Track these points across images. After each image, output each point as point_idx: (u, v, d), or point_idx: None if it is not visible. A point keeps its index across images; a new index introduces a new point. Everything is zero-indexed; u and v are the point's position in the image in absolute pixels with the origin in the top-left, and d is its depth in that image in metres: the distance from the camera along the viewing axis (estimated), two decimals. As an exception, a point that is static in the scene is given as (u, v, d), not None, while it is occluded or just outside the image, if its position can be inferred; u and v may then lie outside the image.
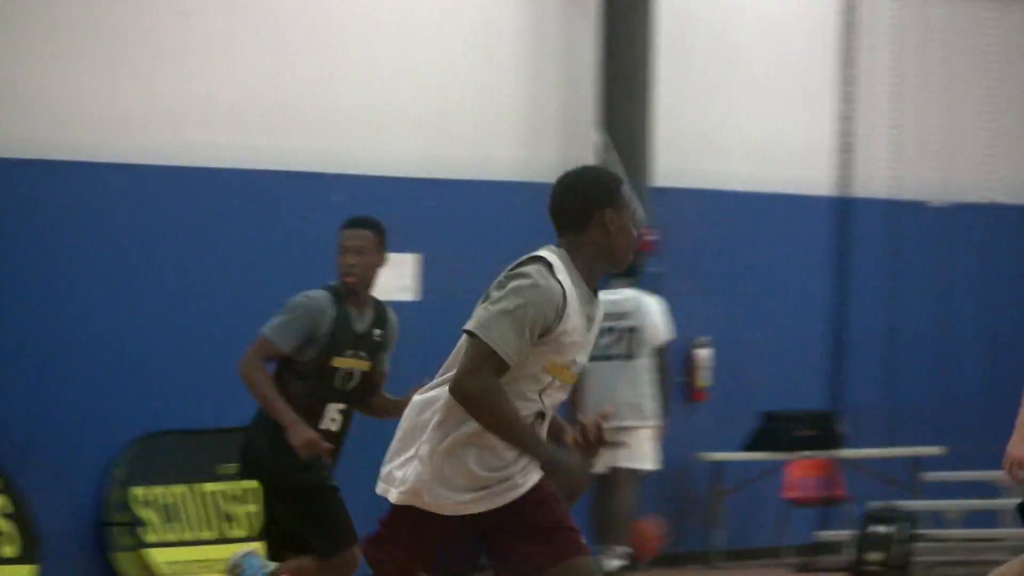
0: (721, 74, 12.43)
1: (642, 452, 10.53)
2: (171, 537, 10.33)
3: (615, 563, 10.44)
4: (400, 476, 4.47)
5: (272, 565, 6.81)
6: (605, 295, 5.45)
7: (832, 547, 11.70)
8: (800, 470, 12.09)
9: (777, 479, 12.05)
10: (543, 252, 4.50)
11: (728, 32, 12.47)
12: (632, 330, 10.55)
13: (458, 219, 11.41)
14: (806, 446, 11.78)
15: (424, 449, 4.43)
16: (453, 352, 4.48)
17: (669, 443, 10.83)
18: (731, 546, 11.99)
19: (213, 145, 10.68)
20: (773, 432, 11.77)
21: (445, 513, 4.45)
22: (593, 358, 5.55)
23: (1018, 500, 6.83)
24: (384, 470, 4.53)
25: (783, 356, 12.42)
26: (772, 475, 12.00)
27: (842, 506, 12.11)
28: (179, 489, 10.39)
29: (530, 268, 4.42)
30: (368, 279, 6.80)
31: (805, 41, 12.84)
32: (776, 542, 12.10)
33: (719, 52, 12.41)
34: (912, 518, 11.15)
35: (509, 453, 4.43)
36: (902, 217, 12.92)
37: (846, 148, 12.79)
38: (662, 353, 10.60)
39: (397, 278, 10.26)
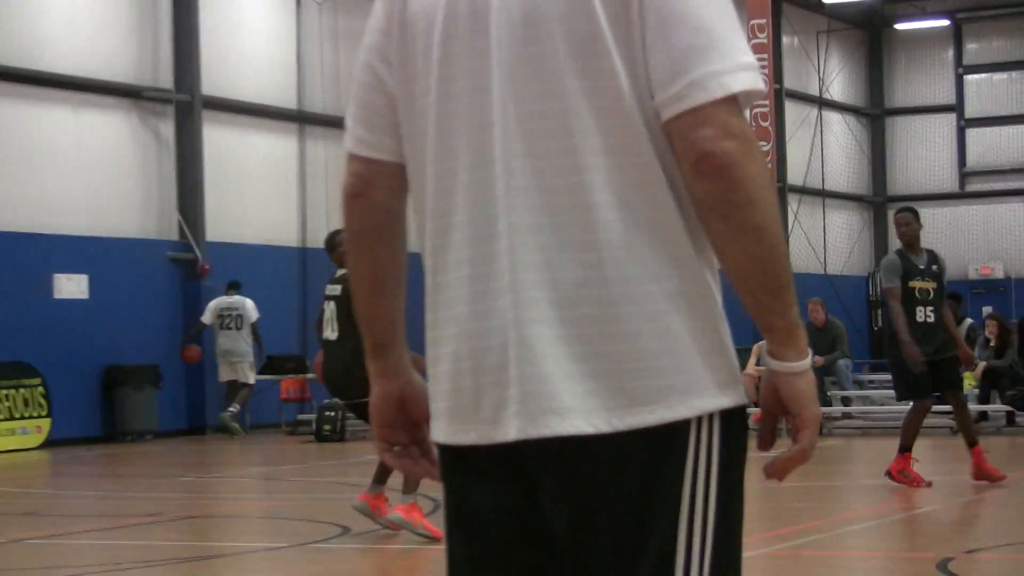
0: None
1: None
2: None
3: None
4: None
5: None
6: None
7: (306, 423, 22.44)
8: (288, 384, 23.69)
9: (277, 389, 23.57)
10: None
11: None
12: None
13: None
14: (292, 371, 23.51)
15: None
16: None
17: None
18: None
19: None
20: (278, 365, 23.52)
21: None
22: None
23: None
24: None
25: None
26: (275, 387, 23.63)
27: (308, 402, 23.65)
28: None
29: None
30: None
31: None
32: (277, 420, 23.56)
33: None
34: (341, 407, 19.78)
35: None
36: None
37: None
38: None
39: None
